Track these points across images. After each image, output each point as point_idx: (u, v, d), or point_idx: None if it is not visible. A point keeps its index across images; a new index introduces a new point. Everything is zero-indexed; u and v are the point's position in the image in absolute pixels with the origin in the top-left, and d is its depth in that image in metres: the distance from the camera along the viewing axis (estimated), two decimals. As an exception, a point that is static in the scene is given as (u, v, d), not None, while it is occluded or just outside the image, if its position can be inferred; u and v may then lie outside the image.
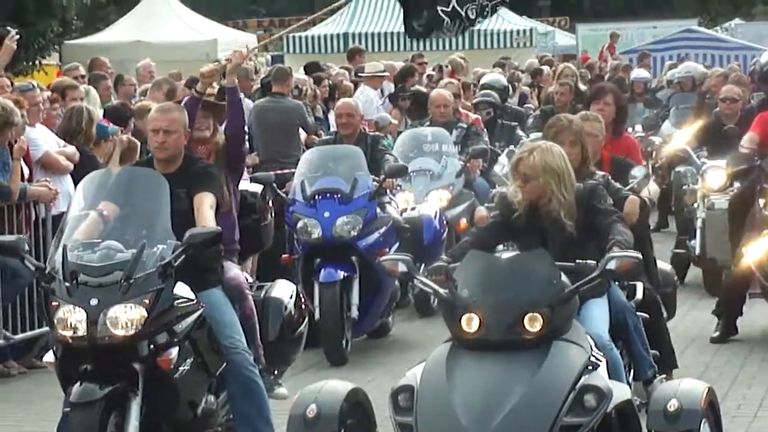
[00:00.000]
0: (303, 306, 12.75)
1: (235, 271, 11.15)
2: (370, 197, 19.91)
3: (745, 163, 18.14)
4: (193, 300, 10.47)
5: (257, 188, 13.19)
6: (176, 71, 30.86)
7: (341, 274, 19.19)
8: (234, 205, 11.66)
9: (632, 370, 12.46)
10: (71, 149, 20.00)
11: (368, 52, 41.63)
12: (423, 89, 30.07)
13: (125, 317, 9.81)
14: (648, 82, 38.19)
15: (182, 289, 10.57)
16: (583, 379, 9.77)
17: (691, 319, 18.94)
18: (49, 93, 21.82)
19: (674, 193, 25.17)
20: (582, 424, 9.52)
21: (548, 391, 9.56)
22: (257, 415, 10.58)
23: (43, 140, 19.81)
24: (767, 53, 25.20)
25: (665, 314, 16.20)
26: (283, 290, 12.40)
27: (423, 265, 17.70)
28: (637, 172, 15.83)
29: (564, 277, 10.26)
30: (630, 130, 32.84)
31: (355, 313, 19.81)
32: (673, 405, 9.42)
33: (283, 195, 21.84)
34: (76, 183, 19.68)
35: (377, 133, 24.47)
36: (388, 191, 20.49)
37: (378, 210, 20.32)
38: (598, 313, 11.24)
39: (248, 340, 11.08)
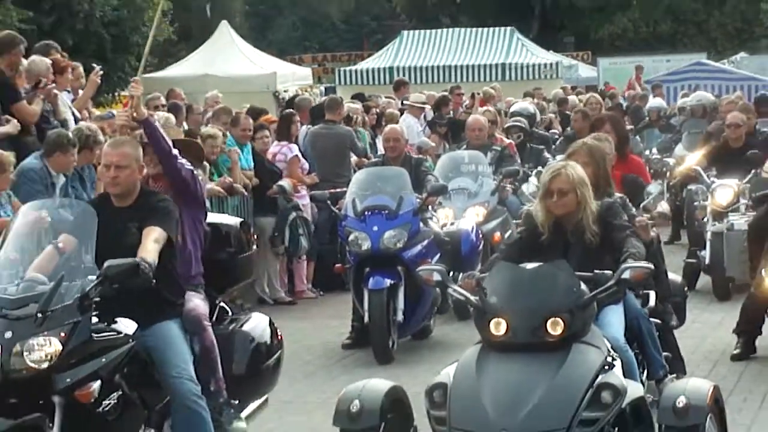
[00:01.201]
0: (279, 338, 12.34)
1: (195, 302, 10.69)
2: (414, 213, 19.86)
3: (767, 188, 17.84)
4: (123, 334, 9.97)
5: (233, 221, 12.59)
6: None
7: (388, 282, 19.09)
8: (194, 235, 11.12)
9: (646, 371, 12.41)
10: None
11: (411, 84, 41.53)
12: (459, 117, 30.10)
13: (39, 349, 9.37)
14: (662, 109, 38.03)
15: (123, 324, 10.12)
16: (600, 377, 9.85)
17: (702, 321, 18.90)
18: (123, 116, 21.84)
19: (686, 208, 25.16)
20: (599, 419, 9.59)
21: (568, 388, 9.64)
22: None
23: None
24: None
25: (676, 322, 16.05)
26: (255, 323, 12.05)
27: (461, 275, 16.48)
28: (653, 189, 16.28)
29: (583, 286, 10.32)
30: (647, 152, 33.09)
31: (400, 317, 19.59)
32: (681, 401, 9.52)
33: (336, 211, 21.94)
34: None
35: (420, 155, 24.57)
36: (430, 208, 20.48)
37: (421, 225, 20.09)
38: (614, 318, 11.23)
39: (209, 373, 10.79)
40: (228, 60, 54.84)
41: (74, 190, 18.48)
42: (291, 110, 27.94)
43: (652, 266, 10.96)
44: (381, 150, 25.23)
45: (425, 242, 19.63)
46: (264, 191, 23.72)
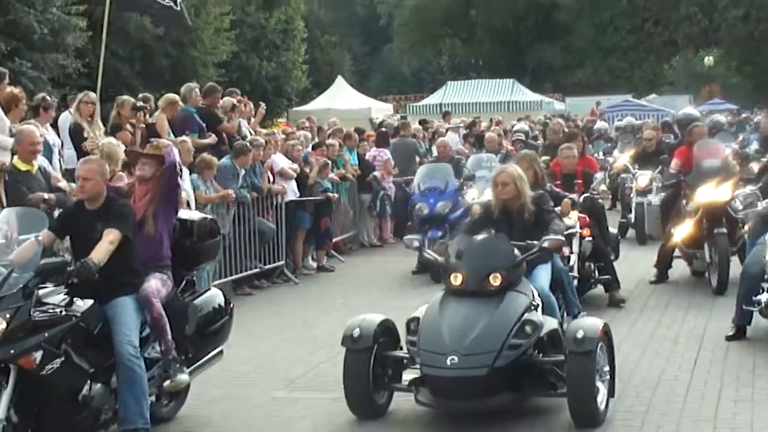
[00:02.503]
0: (228, 308, 11.04)
1: (149, 282, 9.57)
2: (455, 191, 19.87)
3: (673, 178, 17.82)
4: (65, 314, 8.78)
5: (198, 216, 11.36)
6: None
7: (439, 233, 18.96)
8: (165, 228, 10.05)
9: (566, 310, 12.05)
10: (294, 166, 20.06)
11: (452, 114, 41.53)
12: (481, 134, 30.04)
13: None
14: (605, 129, 37.97)
15: (79, 303, 9.04)
16: (525, 315, 9.82)
17: (630, 259, 18.79)
18: (283, 136, 21.90)
19: (619, 189, 25.26)
20: (522, 344, 9.57)
21: (501, 322, 9.63)
22: (133, 397, 9.14)
23: (280, 161, 19.84)
24: (681, 110, 25.62)
25: (614, 256, 16.69)
26: (208, 296, 10.89)
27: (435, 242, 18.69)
28: (598, 176, 16.76)
29: (516, 251, 10.36)
30: (596, 155, 32.89)
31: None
32: (580, 333, 9.41)
33: (408, 190, 22.12)
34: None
35: (458, 156, 24.54)
36: (464, 188, 20.41)
37: (459, 198, 19.93)
38: (543, 273, 11.08)
39: (158, 336, 9.72)
40: (342, 99, 55.06)
41: (250, 178, 18.55)
42: (383, 129, 27.99)
43: (563, 238, 11.22)
44: (435, 153, 25.29)
45: (462, 209, 19.48)
46: (364, 178, 23.70)
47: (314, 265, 20.75)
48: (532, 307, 10.04)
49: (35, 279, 8.51)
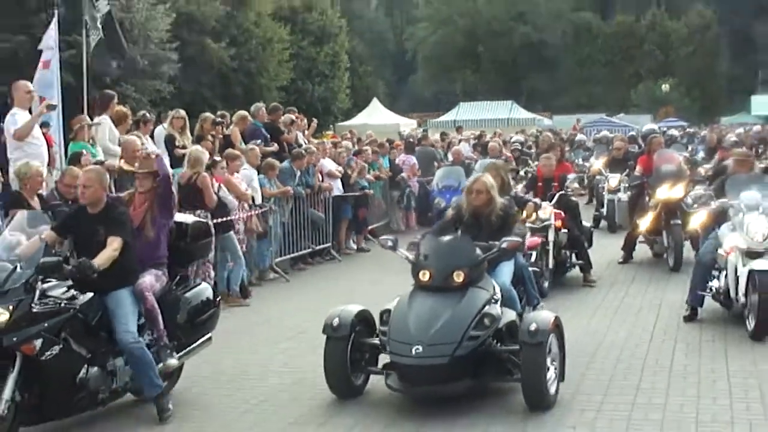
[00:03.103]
0: (215, 301, 10.19)
1: (144, 278, 8.98)
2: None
3: (638, 180, 18.08)
4: (65, 306, 8.21)
5: (191, 219, 10.48)
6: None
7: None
8: (162, 231, 9.36)
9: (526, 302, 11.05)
10: (339, 168, 20.09)
11: (464, 128, 41.38)
12: (488, 143, 29.89)
13: None
14: (584, 140, 37.59)
15: (80, 296, 8.45)
16: (485, 309, 9.00)
17: (603, 245, 18.65)
18: (330, 145, 21.85)
19: (595, 188, 25.19)
20: (480, 336, 8.77)
21: (462, 316, 8.83)
22: (143, 373, 8.62)
23: (328, 164, 19.83)
24: (645, 126, 25.74)
25: (587, 245, 16.16)
26: (198, 290, 10.00)
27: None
28: (571, 176, 16.33)
29: (479, 251, 9.44)
30: (577, 160, 32.78)
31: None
32: (533, 326, 8.61)
33: (428, 187, 22.08)
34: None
35: (469, 162, 24.47)
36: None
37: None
38: (505, 269, 10.15)
39: (151, 325, 9.06)
40: (376, 117, 54.99)
41: (304, 177, 18.52)
42: (409, 140, 27.92)
43: (521, 240, 10.20)
44: (450, 159, 25.22)
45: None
46: (394, 178, 23.64)
47: (354, 246, 20.76)
48: (493, 301, 9.31)
49: (35, 276, 8.04)
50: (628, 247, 17.85)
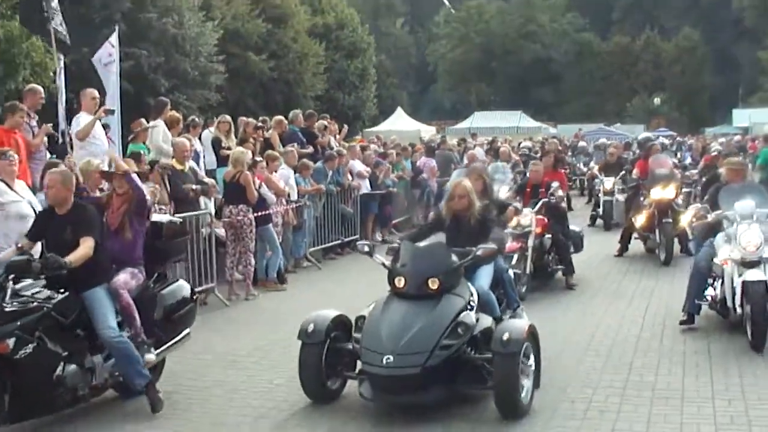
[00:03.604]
0: (193, 298, 9.33)
1: (119, 276, 8.29)
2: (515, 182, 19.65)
3: (634, 182, 18.04)
4: (36, 305, 7.44)
5: (166, 219, 9.73)
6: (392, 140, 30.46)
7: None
8: (138, 234, 8.65)
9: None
10: (367, 169, 20.16)
11: (479, 135, 41.16)
12: (499, 148, 29.82)
13: None
14: (585, 147, 37.42)
15: (57, 295, 7.71)
16: (459, 317, 8.03)
17: (599, 241, 18.63)
18: (359, 148, 21.81)
19: (593, 191, 25.12)
20: (453, 345, 7.81)
21: (435, 324, 7.88)
22: (129, 365, 7.95)
23: (357, 166, 19.78)
24: (641, 135, 25.26)
25: (572, 249, 14.96)
26: (174, 287, 9.17)
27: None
28: (555, 184, 14.64)
29: (454, 257, 8.51)
30: (579, 165, 32.77)
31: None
32: (505, 336, 7.69)
33: (444, 188, 21.81)
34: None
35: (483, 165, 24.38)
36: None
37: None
38: (484, 273, 9.09)
39: (127, 323, 8.28)
40: (400, 123, 55.08)
41: (336, 177, 18.50)
42: (430, 144, 27.85)
43: (496, 247, 9.07)
44: (465, 162, 25.09)
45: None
46: (415, 178, 23.54)
47: (380, 238, 20.62)
48: (468, 308, 8.33)
49: (4, 275, 7.41)
50: (624, 242, 17.70)
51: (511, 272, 10.42)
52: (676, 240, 16.77)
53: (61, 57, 15.22)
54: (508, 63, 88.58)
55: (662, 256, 16.42)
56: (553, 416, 7.93)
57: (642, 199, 17.32)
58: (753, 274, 10.19)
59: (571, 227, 15.51)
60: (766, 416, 7.76)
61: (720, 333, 10.84)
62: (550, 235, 14.47)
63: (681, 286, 11.82)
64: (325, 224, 18.20)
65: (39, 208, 9.81)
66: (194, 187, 13.60)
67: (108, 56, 16.32)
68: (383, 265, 8.74)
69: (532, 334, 8.14)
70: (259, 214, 14.45)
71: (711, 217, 11.20)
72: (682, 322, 11.18)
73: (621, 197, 20.36)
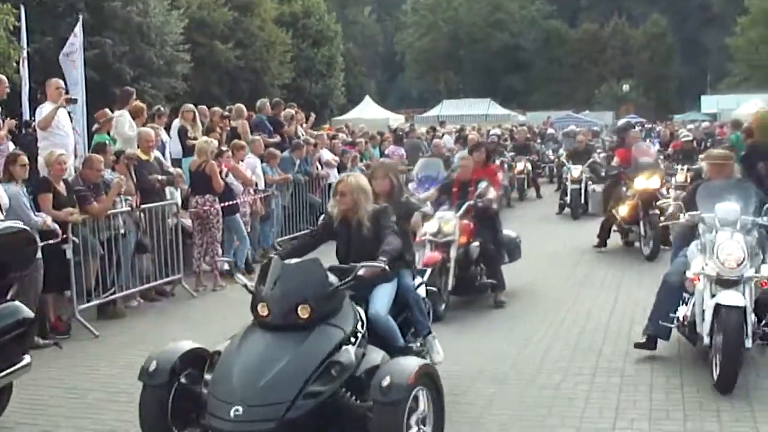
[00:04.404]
0: (29, 320, 7.65)
1: None
2: (444, 179, 19.31)
3: (614, 170, 16.94)
4: None
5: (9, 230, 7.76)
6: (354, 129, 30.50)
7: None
8: None
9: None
10: (335, 158, 20.16)
11: (447, 123, 41.14)
12: (468, 136, 29.83)
13: None
14: (553, 134, 37.47)
15: None
16: (334, 355, 6.21)
17: (565, 229, 18.68)
18: (327, 137, 21.83)
19: (561, 178, 25.20)
20: (323, 391, 6.00)
21: (303, 364, 6.05)
22: None
23: (325, 154, 19.79)
24: (621, 120, 24.24)
25: (507, 258, 13.22)
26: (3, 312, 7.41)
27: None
28: (482, 184, 12.50)
29: (332, 278, 6.70)
30: (547, 152, 32.78)
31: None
32: (386, 380, 5.99)
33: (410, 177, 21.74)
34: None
35: (448, 153, 24.36)
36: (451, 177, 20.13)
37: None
38: (380, 295, 7.40)
39: None
40: (369, 112, 55.06)
41: (303, 166, 18.48)
42: (398, 133, 27.88)
43: (382, 266, 6.90)
44: (432, 150, 25.17)
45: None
46: (383, 167, 23.57)
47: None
48: (351, 341, 6.54)
49: None
50: (604, 233, 16.95)
51: (422, 290, 8.44)
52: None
53: (24, 47, 15.11)
54: (476, 51, 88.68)
55: (646, 251, 15.65)
56: (521, 405, 7.93)
57: (624, 189, 16.42)
58: (729, 297, 8.13)
59: (506, 232, 13.62)
60: (736, 403, 7.77)
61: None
62: (477, 243, 12.44)
63: (655, 276, 11.13)
64: (293, 214, 18.19)
65: (4, 201, 9.77)
66: (160, 177, 13.55)
67: (70, 45, 16.28)
68: (246, 287, 6.96)
69: (428, 376, 6.43)
70: (226, 204, 14.40)
71: (684, 217, 9.14)
72: (638, 345, 9.43)
73: (597, 187, 19.36)
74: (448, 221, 12.13)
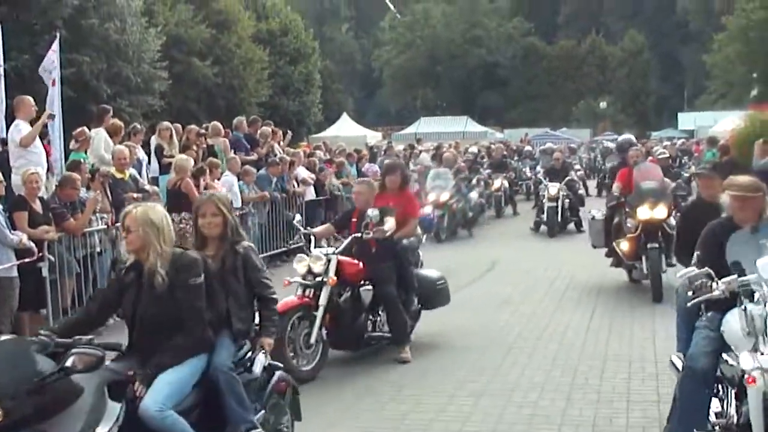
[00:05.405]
0: None
1: None
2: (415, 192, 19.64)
3: (615, 200, 14.53)
4: None
5: None
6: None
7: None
8: None
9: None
10: (312, 175, 20.14)
11: (424, 140, 41.19)
12: (445, 154, 29.89)
13: None
14: (531, 151, 37.54)
15: None
16: None
17: (542, 247, 18.70)
18: (302, 154, 21.87)
19: (537, 196, 25.07)
20: None
21: None
22: None
23: (302, 172, 19.83)
24: (624, 136, 22.68)
25: (419, 305, 10.99)
26: None
27: None
28: (371, 212, 10.25)
29: (42, 364, 4.61)
30: (524, 169, 32.76)
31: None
32: None
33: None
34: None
35: (427, 170, 24.47)
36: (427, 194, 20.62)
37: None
38: (164, 382, 5.38)
39: None
40: (346, 129, 55.28)
41: (280, 183, 18.52)
42: (374, 150, 27.95)
43: (99, 354, 4.63)
44: (413, 168, 25.21)
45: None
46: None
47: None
48: None
49: None
50: (613, 256, 14.78)
51: (261, 360, 6.32)
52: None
53: (1, 64, 15.11)
54: (453, 68, 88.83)
55: (652, 292, 13.34)
56: (499, 421, 7.98)
57: (625, 218, 14.22)
58: None
59: (426, 272, 11.35)
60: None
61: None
62: (370, 287, 10.42)
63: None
64: (270, 232, 18.17)
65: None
66: (135, 195, 13.55)
67: (50, 62, 16.30)
68: None
69: None
70: (203, 221, 14.38)
71: (719, 289, 6.11)
72: None
73: (598, 215, 15.71)
74: (318, 259, 10.12)
